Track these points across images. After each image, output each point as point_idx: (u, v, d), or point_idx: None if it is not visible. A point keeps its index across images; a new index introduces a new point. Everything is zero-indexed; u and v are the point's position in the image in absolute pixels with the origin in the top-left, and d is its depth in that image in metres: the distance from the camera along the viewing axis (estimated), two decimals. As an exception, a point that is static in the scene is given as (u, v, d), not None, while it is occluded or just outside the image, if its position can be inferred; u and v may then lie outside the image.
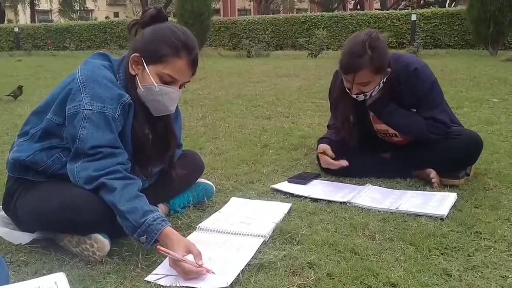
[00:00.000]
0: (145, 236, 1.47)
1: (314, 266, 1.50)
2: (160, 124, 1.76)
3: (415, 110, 2.29)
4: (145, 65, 1.62)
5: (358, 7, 30.83)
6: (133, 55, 1.63)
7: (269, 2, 34.98)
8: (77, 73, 1.60)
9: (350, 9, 31.35)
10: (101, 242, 1.53)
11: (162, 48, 1.59)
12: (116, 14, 39.00)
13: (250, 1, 37.64)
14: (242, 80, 7.16)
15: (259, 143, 3.19)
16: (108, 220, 1.50)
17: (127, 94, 1.60)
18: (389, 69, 2.19)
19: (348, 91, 2.26)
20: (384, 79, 2.21)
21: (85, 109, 1.52)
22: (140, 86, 1.64)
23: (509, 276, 1.44)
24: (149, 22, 1.66)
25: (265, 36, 15.44)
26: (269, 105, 4.78)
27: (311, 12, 24.32)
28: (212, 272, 1.44)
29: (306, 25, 16.95)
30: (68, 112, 1.55)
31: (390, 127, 2.37)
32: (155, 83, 1.62)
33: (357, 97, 2.24)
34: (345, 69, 2.20)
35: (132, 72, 1.65)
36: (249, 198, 2.16)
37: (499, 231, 1.74)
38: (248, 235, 1.73)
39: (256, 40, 14.50)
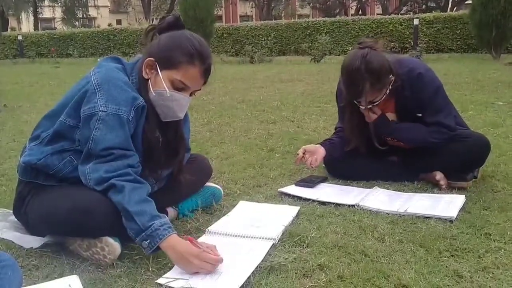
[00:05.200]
0: (149, 241, 1.46)
1: (325, 269, 1.50)
2: (170, 128, 1.77)
3: (420, 114, 2.29)
4: (158, 70, 1.63)
5: (360, 12, 30.89)
6: (148, 59, 1.64)
7: (271, 8, 35.14)
8: (92, 76, 1.61)
9: (352, 15, 31.40)
10: (112, 245, 1.53)
11: (177, 55, 1.61)
12: (118, 22, 39.15)
13: (252, 7, 37.79)
14: (246, 86, 7.18)
15: (265, 147, 3.19)
16: (119, 223, 1.51)
17: (141, 97, 1.61)
18: (392, 77, 2.20)
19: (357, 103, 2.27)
20: (390, 86, 2.21)
21: (100, 111, 1.54)
22: (151, 90, 1.65)
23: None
24: (166, 28, 1.68)
25: (268, 42, 15.47)
26: (273, 110, 4.79)
27: (313, 18, 24.36)
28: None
29: (309, 31, 16.98)
30: (83, 114, 1.56)
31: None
32: (166, 89, 1.63)
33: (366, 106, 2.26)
34: (350, 98, 2.25)
35: (145, 76, 1.66)
36: (257, 202, 2.17)
37: (508, 233, 1.74)
38: (257, 238, 1.73)
39: (259, 46, 14.55)
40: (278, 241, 1.72)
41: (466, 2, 25.75)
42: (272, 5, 36.03)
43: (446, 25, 15.06)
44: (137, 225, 1.47)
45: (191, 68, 1.62)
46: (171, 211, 1.94)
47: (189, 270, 1.47)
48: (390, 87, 2.22)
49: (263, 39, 16.29)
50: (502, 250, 1.61)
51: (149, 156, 1.69)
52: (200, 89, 1.72)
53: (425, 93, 2.25)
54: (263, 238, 1.72)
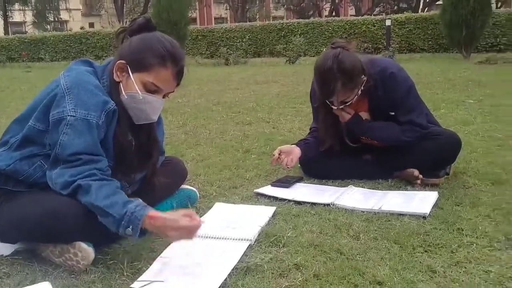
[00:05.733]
0: (131, 226, 1.44)
1: (301, 268, 1.51)
2: (143, 131, 1.75)
3: (393, 113, 2.32)
4: (130, 72, 1.61)
5: (334, 13, 31.20)
6: (118, 61, 1.62)
7: (246, 10, 35.19)
8: (61, 79, 1.58)
9: (326, 16, 31.70)
10: (85, 250, 1.51)
11: (148, 57, 1.59)
12: (91, 25, 38.56)
13: (227, 9, 37.76)
14: (221, 88, 7.16)
15: (241, 149, 3.19)
16: (91, 226, 1.48)
17: (112, 101, 1.59)
18: (364, 77, 2.22)
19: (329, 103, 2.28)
20: (362, 86, 2.24)
21: (69, 115, 1.51)
22: (123, 93, 1.63)
23: (492, 270, 1.46)
24: (137, 30, 1.66)
25: (243, 43, 15.51)
26: (249, 111, 4.79)
27: (287, 20, 24.50)
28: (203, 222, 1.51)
29: (283, 32, 17.08)
30: (52, 118, 1.53)
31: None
32: (139, 91, 1.61)
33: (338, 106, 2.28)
34: (323, 98, 2.27)
35: (117, 79, 1.64)
36: (233, 203, 2.16)
37: (480, 227, 1.77)
38: (234, 239, 1.72)
39: (234, 47, 14.57)
40: (255, 241, 1.71)
41: (437, 3, 26.23)
42: (247, 7, 36.11)
43: (418, 26, 15.33)
44: (113, 217, 1.44)
45: (163, 70, 1.60)
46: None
47: (172, 241, 1.55)
48: (363, 87, 2.25)
49: (238, 41, 16.31)
50: (474, 244, 1.64)
51: (122, 159, 1.67)
52: (173, 91, 1.70)
53: (398, 93, 2.28)
54: (239, 239, 1.72)
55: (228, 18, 38.84)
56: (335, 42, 2.24)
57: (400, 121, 2.31)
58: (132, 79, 1.61)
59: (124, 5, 33.16)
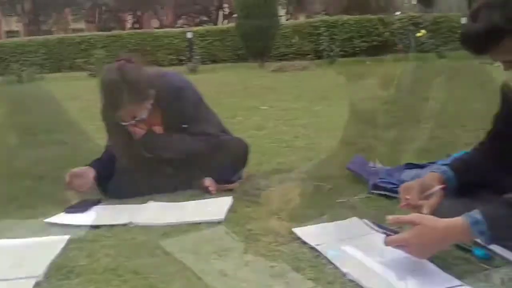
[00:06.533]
0: None
1: (94, 296, 1.44)
2: None
3: (186, 126, 2.38)
4: None
5: (137, 25, 30.92)
6: None
7: (40, 23, 32.62)
8: None
9: (129, 28, 31.24)
10: None
11: None
12: None
13: (18, 22, 34.46)
14: (13, 108, 6.49)
15: (30, 175, 2.92)
16: None
17: None
18: (152, 91, 2.24)
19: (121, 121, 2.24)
20: (152, 100, 2.25)
21: None
22: None
23: (276, 265, 1.59)
24: None
25: (38, 58, 14.31)
26: (45, 132, 4.43)
27: (88, 32, 23.44)
28: None
29: (83, 45, 16.28)
30: None
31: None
32: None
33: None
34: (111, 112, 2.23)
35: None
36: (22, 237, 1.96)
37: (268, 225, 1.92)
38: (18, 278, 1.56)
39: (28, 63, 13.33)
40: (44, 277, 1.58)
41: (234, 15, 28.00)
42: (41, 19, 33.46)
43: (217, 38, 16.12)
44: None
45: None
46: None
47: None
48: (153, 101, 2.26)
49: (32, 55, 15.01)
50: (262, 242, 1.77)
51: None
52: None
53: (188, 106, 2.35)
54: (25, 278, 1.56)
55: (22, 32, 35.48)
56: (119, 56, 2.22)
57: (193, 133, 2.38)
58: None
59: None
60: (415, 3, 26.64)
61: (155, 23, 36.07)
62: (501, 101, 1.67)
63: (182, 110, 2.33)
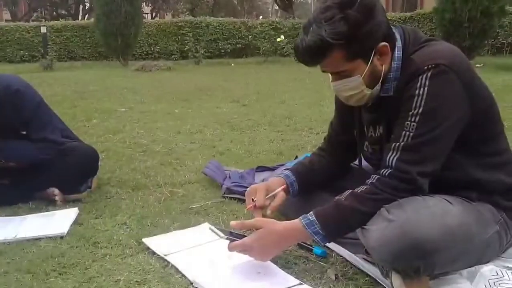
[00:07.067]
0: None
1: None
2: None
3: (25, 132, 2.20)
4: None
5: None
6: None
7: None
8: None
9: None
10: None
11: None
12: None
13: None
14: None
15: None
16: None
17: None
18: None
19: None
20: None
21: None
22: None
23: (121, 278, 1.53)
24: None
25: None
26: None
27: None
28: None
29: None
30: None
31: None
32: None
33: None
34: None
35: None
36: None
37: (115, 237, 1.84)
38: None
39: None
40: None
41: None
42: None
43: (75, 33, 15.15)
44: None
45: None
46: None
47: None
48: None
49: None
50: (108, 256, 1.69)
51: None
52: None
53: (27, 110, 2.17)
54: None
55: None
56: None
57: (34, 139, 2.20)
58: None
59: None
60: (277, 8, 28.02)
61: (6, 15, 32.81)
62: (335, 109, 1.81)
63: (21, 116, 2.14)
